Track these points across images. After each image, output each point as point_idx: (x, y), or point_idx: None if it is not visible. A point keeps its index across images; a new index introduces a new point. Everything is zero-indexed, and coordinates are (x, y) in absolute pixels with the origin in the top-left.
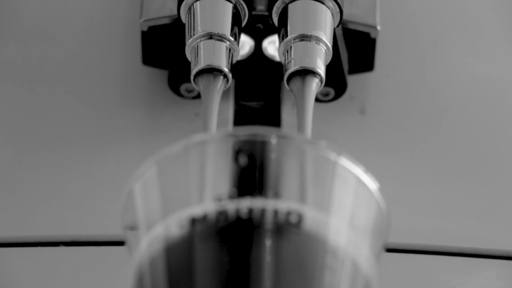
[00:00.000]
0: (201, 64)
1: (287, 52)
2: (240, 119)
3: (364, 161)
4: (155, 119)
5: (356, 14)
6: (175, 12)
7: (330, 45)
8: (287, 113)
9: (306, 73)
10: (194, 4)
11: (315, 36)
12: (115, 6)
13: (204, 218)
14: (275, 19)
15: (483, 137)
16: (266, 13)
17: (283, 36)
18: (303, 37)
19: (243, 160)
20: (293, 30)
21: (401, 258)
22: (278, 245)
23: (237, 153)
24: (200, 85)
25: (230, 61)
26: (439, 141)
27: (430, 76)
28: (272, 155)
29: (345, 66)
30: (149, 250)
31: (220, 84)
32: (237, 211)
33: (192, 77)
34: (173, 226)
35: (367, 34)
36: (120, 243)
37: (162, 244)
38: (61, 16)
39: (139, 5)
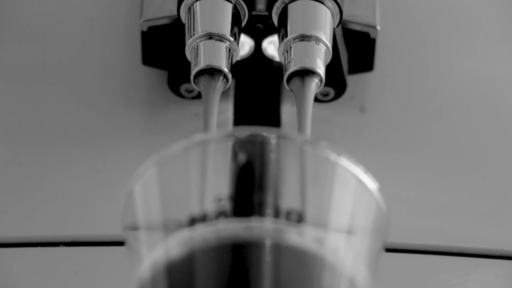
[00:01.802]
0: (201, 64)
1: (287, 52)
2: (240, 119)
3: (363, 161)
4: (155, 119)
5: (356, 14)
6: (175, 12)
7: (330, 45)
8: (287, 113)
9: (305, 73)
10: (194, 4)
11: (314, 36)
12: (115, 6)
13: (204, 218)
14: (275, 19)
15: (483, 137)
16: (266, 13)
17: (283, 36)
18: (303, 37)
19: (243, 160)
20: (293, 30)
21: (400, 258)
22: (277, 260)
23: (237, 153)
24: (200, 85)
25: (230, 61)
26: (439, 142)
27: (430, 76)
28: (272, 155)
29: (345, 66)
30: (151, 269)
31: (220, 84)
32: (237, 211)
33: (192, 77)
34: (174, 246)
35: (367, 34)
36: (120, 243)
37: (163, 264)
38: (61, 16)
39: (139, 5)
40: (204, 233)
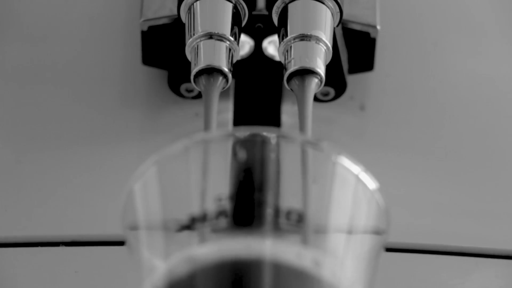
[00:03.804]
0: (201, 64)
1: (287, 51)
2: (240, 118)
3: (363, 161)
4: (155, 119)
5: (356, 14)
6: (175, 12)
7: (330, 45)
8: (287, 113)
9: (306, 73)
10: (194, 4)
11: (315, 35)
12: (115, 6)
13: (204, 218)
14: (275, 18)
15: (483, 136)
16: (266, 13)
17: (283, 36)
18: (303, 37)
19: (243, 159)
20: (293, 29)
21: (400, 258)
22: (276, 280)
23: (237, 152)
24: (200, 85)
25: (230, 61)
26: (439, 141)
27: (430, 76)
28: (272, 155)
29: (345, 66)
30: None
31: (220, 84)
32: (237, 211)
33: (192, 77)
34: (175, 265)
35: (367, 34)
36: (120, 243)
37: (164, 283)
38: (61, 16)
39: (139, 5)
40: (206, 253)
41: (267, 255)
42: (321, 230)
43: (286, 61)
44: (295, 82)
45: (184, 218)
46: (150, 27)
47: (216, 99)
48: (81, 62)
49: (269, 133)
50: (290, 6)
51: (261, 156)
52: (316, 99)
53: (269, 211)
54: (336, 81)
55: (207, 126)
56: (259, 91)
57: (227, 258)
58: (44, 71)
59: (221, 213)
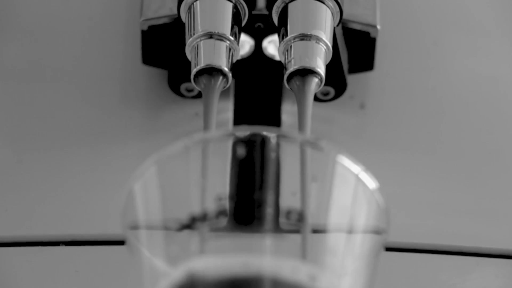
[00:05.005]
0: (201, 63)
1: (287, 51)
2: (240, 118)
3: (363, 160)
4: (155, 119)
5: (356, 14)
6: (175, 12)
7: (330, 45)
8: (287, 113)
9: (306, 72)
10: (194, 3)
11: (315, 35)
12: (115, 6)
13: (204, 217)
14: (275, 18)
15: (483, 136)
16: (266, 13)
17: (283, 36)
18: (303, 37)
19: (243, 159)
20: (293, 29)
21: (400, 257)
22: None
23: (237, 152)
24: (200, 85)
25: (230, 60)
26: (439, 141)
27: (430, 76)
28: (272, 154)
29: (345, 66)
30: None
31: (220, 84)
32: (237, 211)
33: (192, 77)
34: (174, 282)
35: (367, 34)
36: (120, 243)
37: None
38: (61, 16)
39: (139, 5)
40: (203, 270)
41: (263, 271)
42: (321, 230)
43: (286, 61)
44: (295, 81)
45: (184, 217)
46: (150, 27)
47: (216, 98)
48: (81, 61)
49: (269, 133)
50: (290, 5)
51: (261, 156)
52: (316, 98)
53: (269, 211)
54: (336, 80)
55: (207, 126)
56: (259, 91)
57: (225, 276)
58: (44, 71)
59: (221, 213)
